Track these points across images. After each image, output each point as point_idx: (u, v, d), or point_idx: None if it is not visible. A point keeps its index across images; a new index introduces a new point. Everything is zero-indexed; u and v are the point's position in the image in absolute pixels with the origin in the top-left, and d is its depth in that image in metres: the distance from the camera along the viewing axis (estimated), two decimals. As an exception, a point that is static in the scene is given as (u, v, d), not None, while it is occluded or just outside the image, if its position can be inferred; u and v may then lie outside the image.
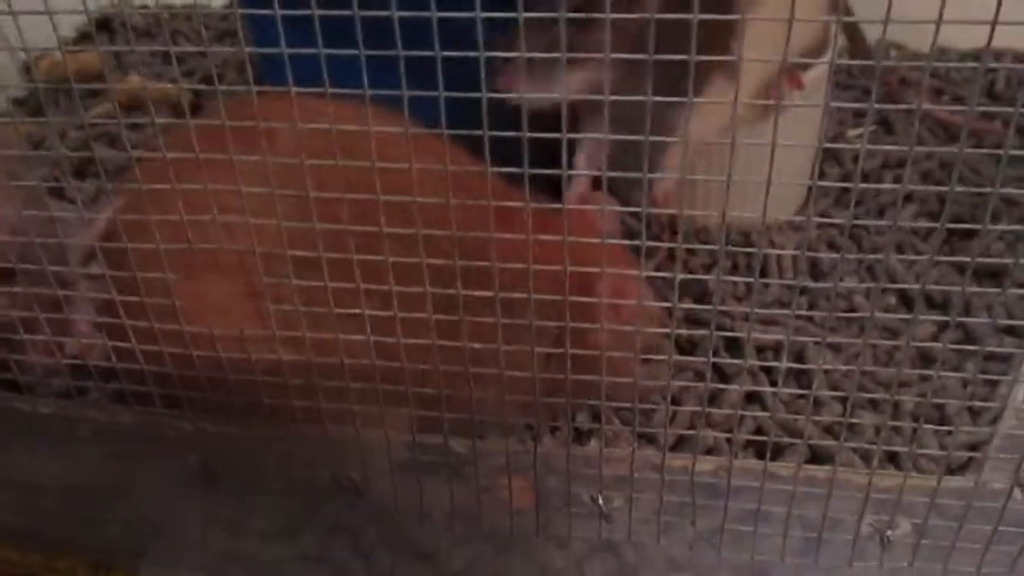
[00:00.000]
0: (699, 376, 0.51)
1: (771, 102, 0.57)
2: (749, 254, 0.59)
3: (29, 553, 0.48)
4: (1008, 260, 0.28)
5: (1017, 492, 0.33)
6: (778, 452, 0.46)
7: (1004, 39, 0.26)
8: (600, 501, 0.38)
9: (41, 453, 0.43)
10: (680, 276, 0.30)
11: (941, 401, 0.46)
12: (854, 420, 0.46)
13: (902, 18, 0.26)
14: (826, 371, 0.51)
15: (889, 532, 0.36)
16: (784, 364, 0.31)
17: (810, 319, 0.55)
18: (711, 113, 0.41)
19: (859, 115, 0.73)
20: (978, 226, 0.27)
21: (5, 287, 0.37)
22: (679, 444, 0.47)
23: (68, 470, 0.44)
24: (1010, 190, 0.28)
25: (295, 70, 0.29)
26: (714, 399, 0.50)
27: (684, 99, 0.25)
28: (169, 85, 0.80)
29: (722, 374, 0.52)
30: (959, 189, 0.27)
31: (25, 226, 0.35)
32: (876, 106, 0.26)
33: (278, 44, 0.29)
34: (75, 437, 0.42)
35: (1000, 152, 0.26)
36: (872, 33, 0.72)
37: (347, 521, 0.43)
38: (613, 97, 0.26)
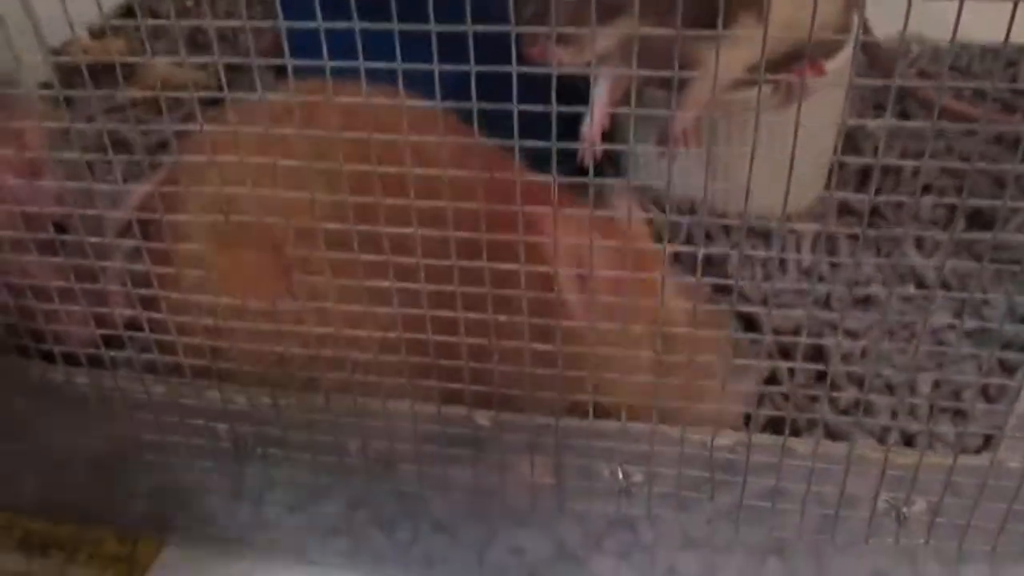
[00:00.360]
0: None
1: (791, 83, 0.58)
2: (767, 242, 0.60)
3: (60, 524, 0.50)
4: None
5: (1032, 470, 0.34)
6: (796, 433, 0.47)
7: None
8: (620, 475, 0.39)
9: (72, 424, 0.44)
10: (703, 251, 0.31)
11: (957, 378, 0.47)
12: (870, 397, 0.47)
13: (922, 13, 0.26)
14: (843, 356, 0.52)
15: (905, 509, 0.36)
16: (802, 340, 0.32)
17: (828, 306, 0.55)
18: (738, 48, 0.42)
19: (878, 107, 0.74)
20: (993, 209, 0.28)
21: (45, 257, 0.38)
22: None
23: (99, 441, 0.45)
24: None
25: (319, 53, 0.30)
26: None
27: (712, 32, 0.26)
28: (198, 72, 0.81)
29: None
30: (979, 166, 0.27)
31: (66, 198, 0.36)
32: (898, 83, 0.27)
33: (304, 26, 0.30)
34: (107, 408, 0.43)
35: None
36: (891, 27, 0.72)
37: (370, 493, 0.44)
38: (644, 31, 0.26)
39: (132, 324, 0.40)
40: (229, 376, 0.39)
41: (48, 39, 0.35)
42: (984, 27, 0.26)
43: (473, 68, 0.28)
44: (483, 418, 0.38)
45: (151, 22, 0.31)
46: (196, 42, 0.90)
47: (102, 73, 0.73)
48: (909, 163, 0.37)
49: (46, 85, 0.67)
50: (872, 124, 0.72)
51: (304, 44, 0.31)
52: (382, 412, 0.38)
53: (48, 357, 0.42)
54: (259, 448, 0.41)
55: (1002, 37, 0.26)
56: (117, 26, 0.91)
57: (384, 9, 0.29)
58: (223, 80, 0.35)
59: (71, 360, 0.42)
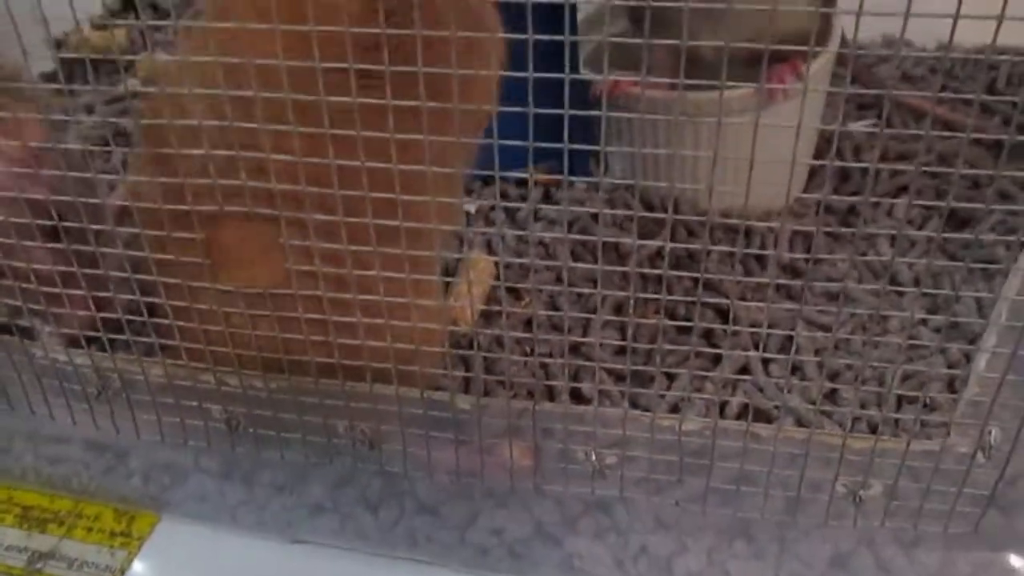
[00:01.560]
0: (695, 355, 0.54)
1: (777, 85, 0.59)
2: (747, 239, 0.62)
3: (58, 500, 0.52)
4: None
5: (980, 456, 0.36)
6: (767, 422, 0.49)
7: (1008, 37, 0.27)
8: (594, 459, 0.40)
9: (70, 403, 0.46)
10: (670, 245, 0.33)
11: (912, 368, 0.49)
12: (835, 386, 0.49)
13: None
14: (816, 351, 0.54)
15: (862, 492, 0.38)
16: (765, 329, 0.34)
17: (802, 301, 0.57)
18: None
19: (860, 107, 0.75)
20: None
21: (48, 244, 0.40)
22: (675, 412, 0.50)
23: (97, 420, 0.46)
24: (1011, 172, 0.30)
25: None
26: (707, 376, 0.53)
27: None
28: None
29: (715, 349, 0.55)
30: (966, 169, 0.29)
31: (65, 186, 0.37)
32: (850, 91, 0.28)
33: None
34: (105, 388, 0.45)
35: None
36: (876, 29, 0.74)
37: (357, 474, 0.46)
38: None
39: (130, 308, 0.41)
40: (224, 359, 0.41)
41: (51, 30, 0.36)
42: (968, 31, 0.27)
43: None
44: (464, 402, 0.40)
45: (151, 23, 0.33)
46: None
47: (103, 64, 0.75)
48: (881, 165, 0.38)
49: (49, 76, 0.69)
50: (854, 127, 0.74)
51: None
52: (368, 394, 0.40)
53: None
54: (251, 429, 0.43)
55: (986, 40, 0.27)
56: (118, 18, 0.92)
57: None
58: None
59: (73, 342, 0.44)
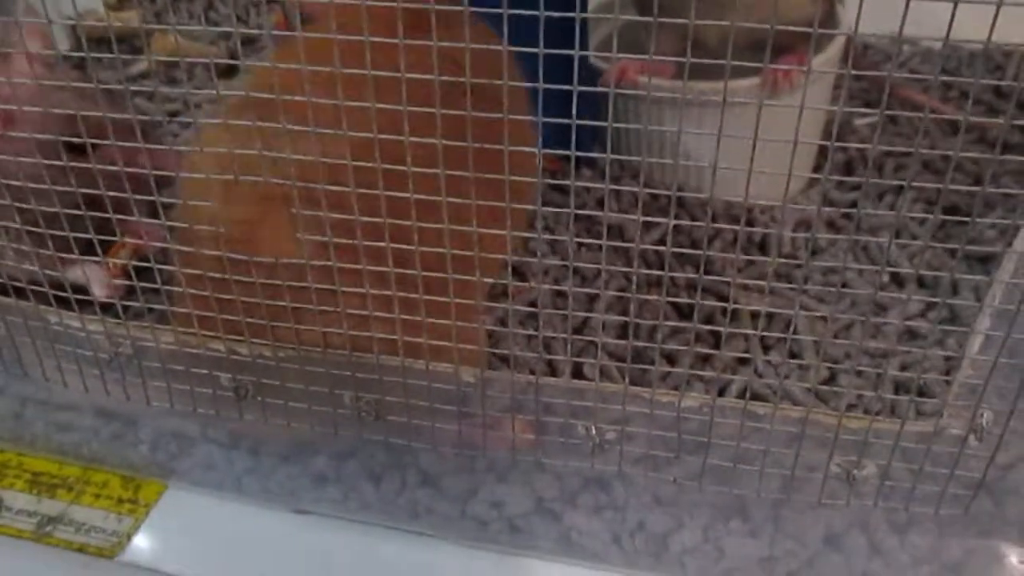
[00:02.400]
0: (697, 339, 0.54)
1: (776, 76, 0.60)
2: (749, 227, 0.62)
3: (67, 466, 0.53)
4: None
5: (972, 439, 0.36)
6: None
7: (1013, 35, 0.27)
8: (594, 432, 0.41)
9: (82, 370, 0.47)
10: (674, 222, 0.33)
11: (906, 349, 0.50)
12: (833, 367, 0.49)
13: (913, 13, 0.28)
14: (814, 341, 0.54)
15: (855, 472, 0.39)
16: (764, 307, 0.35)
17: (804, 292, 0.58)
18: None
19: (867, 104, 0.76)
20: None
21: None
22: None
23: (108, 387, 0.47)
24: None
25: None
26: (707, 359, 0.54)
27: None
28: (210, 47, 0.83)
29: (716, 338, 0.55)
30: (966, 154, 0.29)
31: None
32: (853, 77, 0.29)
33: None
34: (117, 355, 0.45)
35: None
36: (885, 27, 0.74)
37: (361, 445, 0.47)
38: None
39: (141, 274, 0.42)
40: (234, 328, 0.42)
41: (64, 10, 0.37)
42: (976, 29, 0.27)
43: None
44: (468, 375, 0.41)
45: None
46: (208, 17, 0.93)
47: (117, 44, 0.75)
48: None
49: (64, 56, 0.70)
50: (860, 123, 0.75)
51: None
52: (375, 366, 0.41)
53: (65, 304, 0.44)
54: (258, 397, 0.44)
55: (995, 38, 0.27)
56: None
57: None
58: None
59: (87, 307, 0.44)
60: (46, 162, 0.38)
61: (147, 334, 0.44)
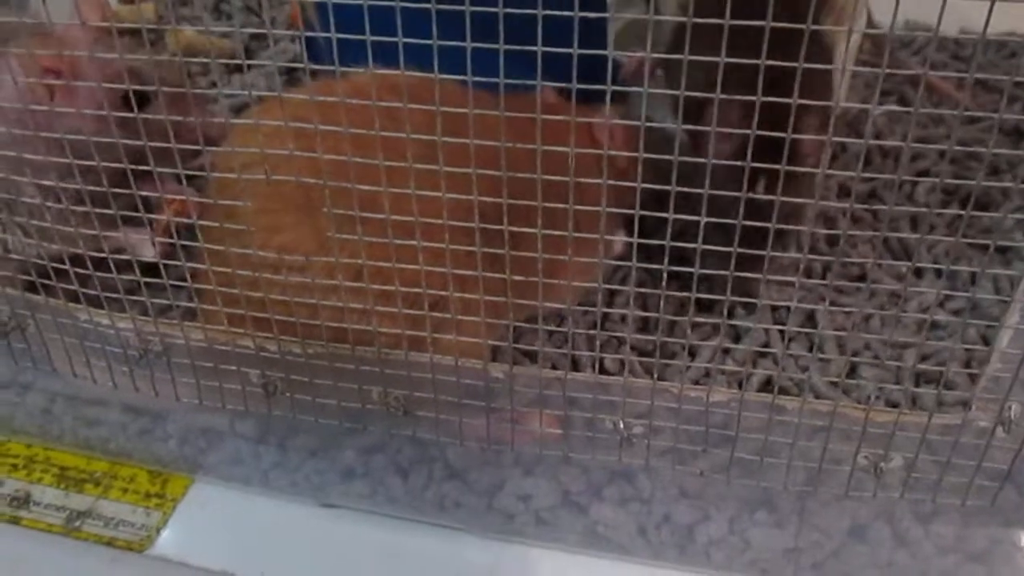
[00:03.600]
0: (715, 330, 0.55)
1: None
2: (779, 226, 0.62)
3: (95, 461, 0.53)
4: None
5: (1000, 430, 0.37)
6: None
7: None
8: (621, 426, 0.42)
9: (111, 366, 0.47)
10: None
11: (932, 345, 0.50)
12: (856, 360, 0.50)
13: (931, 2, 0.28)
14: (836, 329, 0.55)
15: (883, 465, 0.39)
16: (795, 304, 0.35)
17: (823, 285, 0.58)
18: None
19: (884, 93, 0.76)
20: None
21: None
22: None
23: (137, 383, 0.48)
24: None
25: (357, 33, 0.32)
26: (728, 351, 0.54)
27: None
28: (223, 40, 0.83)
29: (736, 330, 0.56)
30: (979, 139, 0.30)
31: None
32: (886, 71, 0.29)
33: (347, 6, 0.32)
34: (147, 352, 0.46)
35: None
36: (899, 14, 0.74)
37: (389, 440, 0.47)
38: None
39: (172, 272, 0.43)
40: (263, 324, 0.42)
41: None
42: (995, 18, 0.27)
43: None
44: (497, 370, 0.41)
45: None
46: (220, 11, 0.93)
47: (130, 39, 0.76)
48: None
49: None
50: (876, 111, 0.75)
51: (342, 22, 0.33)
52: (403, 362, 0.41)
53: (94, 302, 0.44)
54: (287, 393, 0.44)
55: (1012, 27, 0.27)
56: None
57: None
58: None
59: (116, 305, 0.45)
60: (115, 114, 0.38)
61: (176, 331, 0.44)
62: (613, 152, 0.34)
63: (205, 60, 0.38)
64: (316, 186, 0.39)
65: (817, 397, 0.50)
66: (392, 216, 0.36)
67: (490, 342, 0.45)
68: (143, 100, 0.41)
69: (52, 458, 0.54)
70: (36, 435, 0.54)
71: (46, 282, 0.46)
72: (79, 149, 0.39)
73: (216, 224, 0.40)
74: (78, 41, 0.51)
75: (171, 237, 0.42)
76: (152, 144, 0.37)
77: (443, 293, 0.38)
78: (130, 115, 0.37)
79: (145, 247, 0.52)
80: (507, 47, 0.31)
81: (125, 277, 0.43)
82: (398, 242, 0.37)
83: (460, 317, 0.39)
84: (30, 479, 0.52)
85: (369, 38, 0.33)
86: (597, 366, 0.47)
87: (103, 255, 0.42)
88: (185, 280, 0.42)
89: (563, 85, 0.31)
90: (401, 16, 0.31)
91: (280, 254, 0.40)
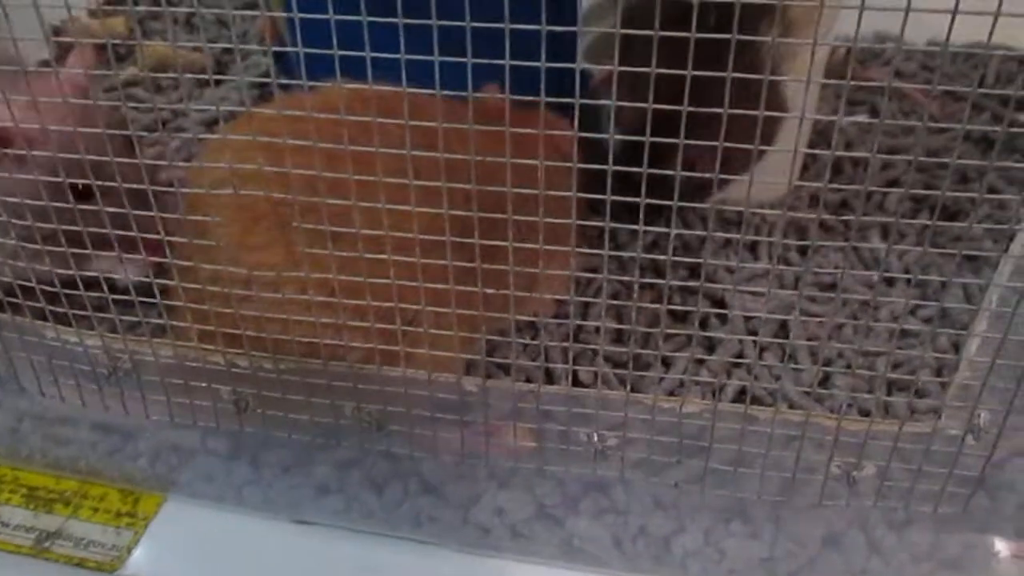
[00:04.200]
0: (688, 340, 0.55)
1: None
2: (739, 229, 0.63)
3: (64, 480, 0.52)
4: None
5: (970, 437, 0.37)
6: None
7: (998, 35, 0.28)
8: (596, 439, 0.42)
9: (80, 384, 0.47)
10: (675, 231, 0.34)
11: (905, 352, 0.50)
12: (829, 370, 0.50)
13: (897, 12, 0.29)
14: (808, 338, 0.55)
15: (855, 473, 0.39)
16: (765, 315, 0.35)
17: (795, 294, 0.58)
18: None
19: (851, 103, 0.77)
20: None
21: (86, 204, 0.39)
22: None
23: (106, 401, 0.47)
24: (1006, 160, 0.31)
25: (327, 42, 0.32)
26: (702, 362, 0.54)
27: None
28: (195, 53, 0.83)
29: (710, 341, 0.56)
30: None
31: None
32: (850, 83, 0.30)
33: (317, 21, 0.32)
34: (116, 369, 0.45)
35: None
36: (868, 25, 0.75)
37: (363, 455, 0.47)
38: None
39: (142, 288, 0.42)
40: (234, 340, 0.42)
41: (46, 18, 0.37)
42: (962, 28, 0.28)
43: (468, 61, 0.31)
44: (470, 384, 0.41)
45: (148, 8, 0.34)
46: (192, 24, 0.93)
47: (100, 53, 0.75)
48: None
49: (45, 63, 0.70)
50: (846, 121, 0.75)
51: (312, 38, 0.33)
52: (376, 377, 0.41)
53: (62, 320, 0.44)
54: (259, 409, 0.44)
55: (977, 38, 0.28)
56: (114, 6, 0.92)
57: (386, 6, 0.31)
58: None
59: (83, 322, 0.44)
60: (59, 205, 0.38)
61: (145, 347, 0.44)
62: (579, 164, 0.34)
63: (174, 75, 0.37)
64: (287, 201, 0.39)
65: (791, 407, 0.50)
66: (363, 231, 0.36)
67: (463, 355, 0.45)
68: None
69: (20, 478, 0.53)
70: (3, 455, 0.53)
71: (12, 300, 0.45)
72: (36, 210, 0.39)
73: (186, 240, 0.40)
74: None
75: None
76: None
77: (416, 307, 0.37)
78: (83, 207, 0.37)
79: (117, 270, 0.52)
80: (476, 60, 0.31)
81: (93, 294, 0.42)
82: (369, 256, 0.36)
83: (434, 331, 0.38)
84: (-2, 500, 0.52)
85: (337, 52, 0.33)
86: (570, 378, 0.47)
87: (71, 274, 0.42)
88: (154, 296, 0.41)
89: (532, 99, 0.32)
90: (369, 29, 0.31)
91: (251, 271, 0.39)
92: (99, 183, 0.39)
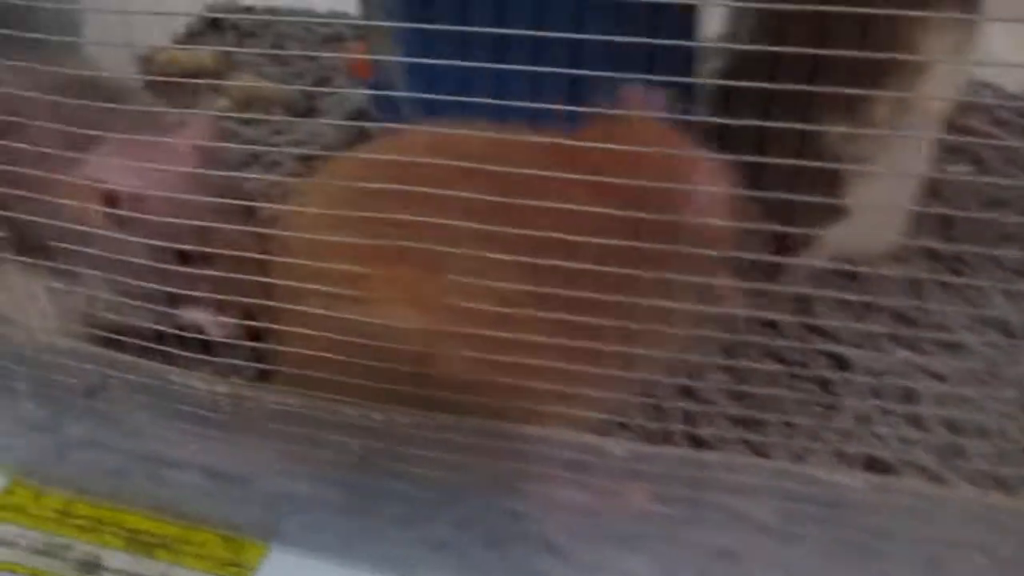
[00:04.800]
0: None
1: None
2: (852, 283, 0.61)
3: (165, 525, 0.51)
4: None
5: None
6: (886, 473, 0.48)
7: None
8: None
9: (194, 429, 0.46)
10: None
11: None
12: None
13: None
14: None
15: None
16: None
17: (913, 351, 0.56)
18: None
19: (954, 151, 0.75)
20: None
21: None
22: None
23: (216, 446, 0.46)
24: None
25: (435, 84, 0.32)
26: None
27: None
28: (284, 86, 0.83)
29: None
30: None
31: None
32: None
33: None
34: (226, 414, 0.44)
35: None
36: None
37: (481, 513, 0.45)
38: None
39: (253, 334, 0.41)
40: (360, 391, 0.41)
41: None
42: None
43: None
44: (617, 448, 0.40)
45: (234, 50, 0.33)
46: (278, 58, 0.93)
47: (189, 84, 0.75)
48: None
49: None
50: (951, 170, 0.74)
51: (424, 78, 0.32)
52: (510, 434, 0.40)
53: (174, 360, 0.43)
54: (381, 461, 0.43)
55: None
56: (200, 38, 0.93)
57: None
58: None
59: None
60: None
61: (260, 393, 0.43)
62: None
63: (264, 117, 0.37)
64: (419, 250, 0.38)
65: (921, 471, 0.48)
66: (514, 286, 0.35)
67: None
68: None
69: (120, 520, 0.52)
70: (107, 495, 0.52)
71: (127, 339, 0.45)
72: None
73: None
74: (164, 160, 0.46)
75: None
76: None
77: (574, 367, 0.36)
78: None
79: (214, 327, 0.51)
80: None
81: (215, 339, 0.41)
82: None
83: (584, 391, 0.37)
84: (99, 542, 0.51)
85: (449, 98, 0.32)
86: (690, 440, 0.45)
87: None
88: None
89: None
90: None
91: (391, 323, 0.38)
92: (206, 249, 0.39)
